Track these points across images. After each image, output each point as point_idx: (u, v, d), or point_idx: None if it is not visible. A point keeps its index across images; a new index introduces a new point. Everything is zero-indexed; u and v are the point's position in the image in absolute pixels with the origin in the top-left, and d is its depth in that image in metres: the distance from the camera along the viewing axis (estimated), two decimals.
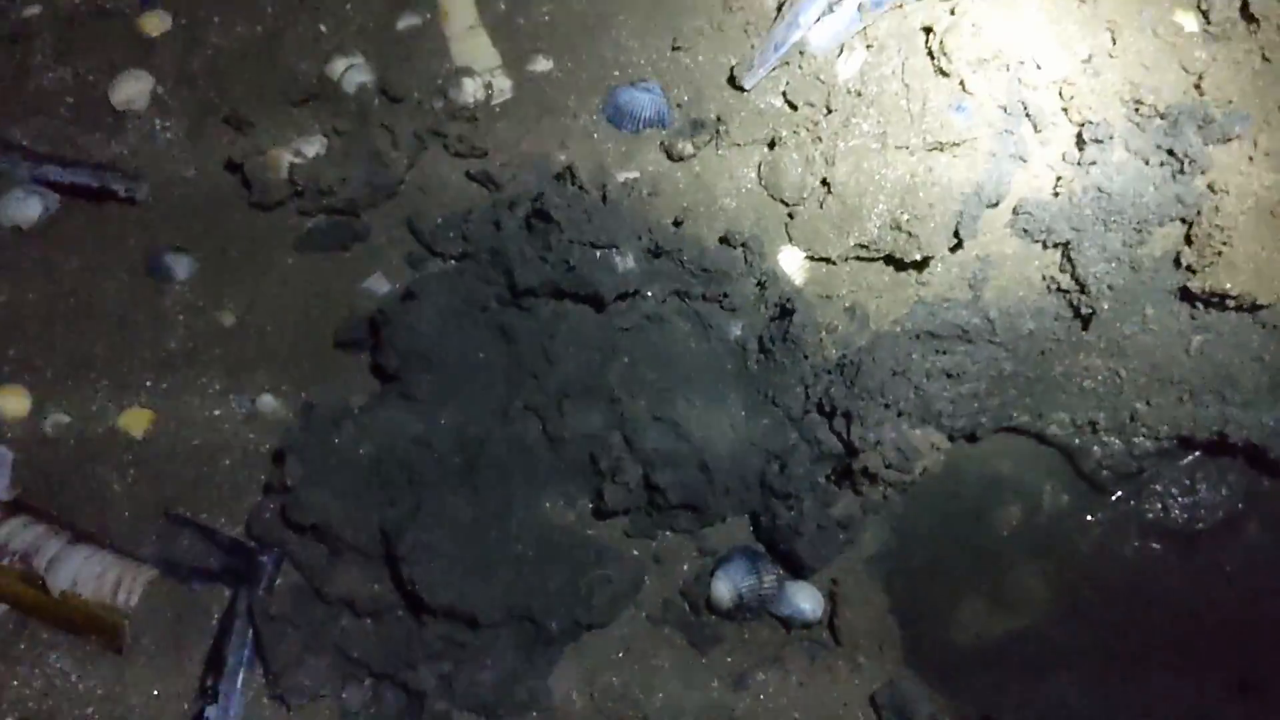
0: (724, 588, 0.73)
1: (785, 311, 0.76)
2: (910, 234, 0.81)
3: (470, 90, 0.85)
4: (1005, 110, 0.84)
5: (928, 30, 0.85)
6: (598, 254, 0.76)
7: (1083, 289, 0.82)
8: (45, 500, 0.74)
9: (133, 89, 0.85)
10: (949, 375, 0.82)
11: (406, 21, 0.89)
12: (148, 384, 0.77)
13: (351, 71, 0.86)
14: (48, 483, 0.74)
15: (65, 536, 0.71)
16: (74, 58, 0.86)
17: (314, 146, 0.83)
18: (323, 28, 0.88)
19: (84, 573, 0.70)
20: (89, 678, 0.69)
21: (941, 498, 0.83)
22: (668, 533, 0.76)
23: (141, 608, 0.70)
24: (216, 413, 0.76)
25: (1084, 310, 0.82)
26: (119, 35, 0.87)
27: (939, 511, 0.81)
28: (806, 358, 0.74)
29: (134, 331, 0.78)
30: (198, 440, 0.75)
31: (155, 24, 0.87)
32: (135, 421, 0.76)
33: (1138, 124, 0.86)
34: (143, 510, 0.73)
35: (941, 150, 0.82)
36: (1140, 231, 0.84)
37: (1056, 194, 0.85)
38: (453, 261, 0.80)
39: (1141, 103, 0.86)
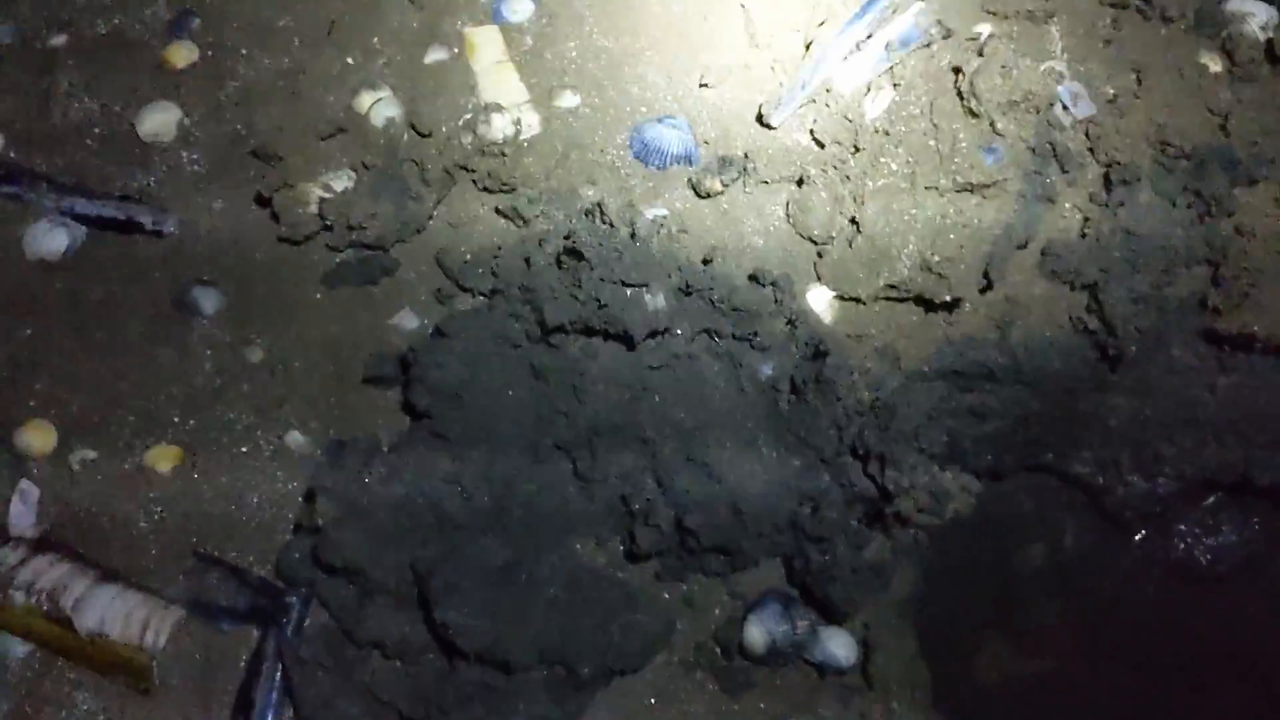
0: (757, 633, 0.73)
1: (819, 353, 0.76)
2: (941, 275, 0.81)
3: (499, 126, 0.85)
4: (1034, 152, 0.84)
5: (957, 71, 0.85)
6: (628, 292, 0.76)
7: (1110, 330, 0.83)
8: (72, 537, 0.74)
9: (159, 121, 0.85)
10: (974, 414, 0.82)
11: (434, 56, 0.89)
12: (175, 420, 0.76)
13: (379, 105, 0.86)
14: (74, 520, 0.74)
15: (92, 575, 0.71)
16: (100, 89, 0.86)
17: (342, 181, 0.83)
18: (350, 60, 0.88)
19: (111, 612, 0.70)
20: (117, 719, 0.69)
21: (967, 537, 0.83)
22: (699, 575, 0.76)
23: (169, 648, 0.69)
24: (244, 450, 0.76)
25: (1111, 351, 0.83)
26: (145, 66, 0.87)
27: (965, 552, 0.81)
28: (840, 399, 0.74)
29: (161, 367, 0.78)
30: (225, 478, 0.75)
31: (182, 55, 0.87)
32: (162, 458, 0.75)
33: (1164, 165, 0.86)
34: (170, 548, 0.73)
35: (971, 191, 0.82)
36: (1168, 273, 0.85)
37: (1084, 235, 0.85)
38: (481, 298, 0.80)
39: (1168, 144, 0.87)
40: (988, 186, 0.82)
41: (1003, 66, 0.83)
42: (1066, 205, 0.87)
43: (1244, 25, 0.92)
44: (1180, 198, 0.85)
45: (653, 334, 0.78)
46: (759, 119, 0.88)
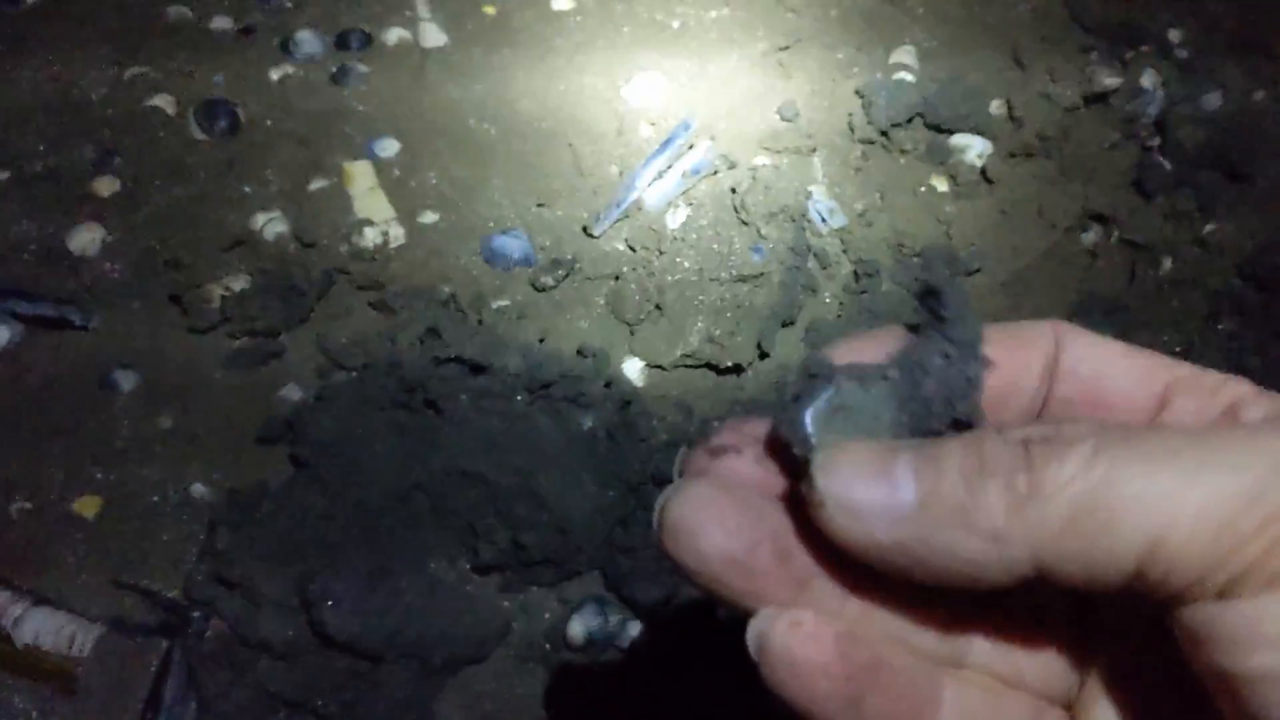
0: (577, 627, 0.99)
1: (626, 404, 1.05)
2: (722, 346, 1.12)
3: (370, 237, 1.15)
4: (793, 251, 1.17)
5: (733, 190, 1.19)
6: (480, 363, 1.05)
7: None
8: (10, 572, 0.97)
9: (86, 238, 1.13)
10: None
11: (317, 184, 1.19)
12: (98, 475, 1.02)
13: (271, 223, 1.15)
14: (12, 558, 0.98)
15: (28, 600, 0.94)
16: (37, 213, 1.15)
17: (240, 282, 1.11)
18: (247, 189, 1.18)
19: (44, 628, 0.93)
20: (48, 716, 0.91)
21: None
22: (534, 588, 1.02)
23: (92, 657, 0.93)
24: (156, 499, 1.01)
25: None
26: (75, 195, 1.17)
27: None
28: (643, 440, 1.03)
29: (86, 433, 1.04)
30: (140, 521, 1.00)
31: (106, 185, 1.17)
32: (87, 506, 1.00)
33: (900, 262, 1.20)
34: (93, 579, 0.98)
35: (744, 281, 1.14)
36: None
37: (839, 316, 1.18)
38: (354, 373, 1.08)
39: (903, 245, 1.20)
40: (756, 277, 1.14)
41: (765, 187, 1.17)
42: (826, 295, 1.19)
43: (965, 155, 1.28)
44: (912, 286, 1.18)
45: (495, 396, 1.05)
46: (584, 230, 1.19)
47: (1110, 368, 0.37)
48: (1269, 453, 0.27)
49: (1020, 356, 0.39)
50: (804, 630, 0.34)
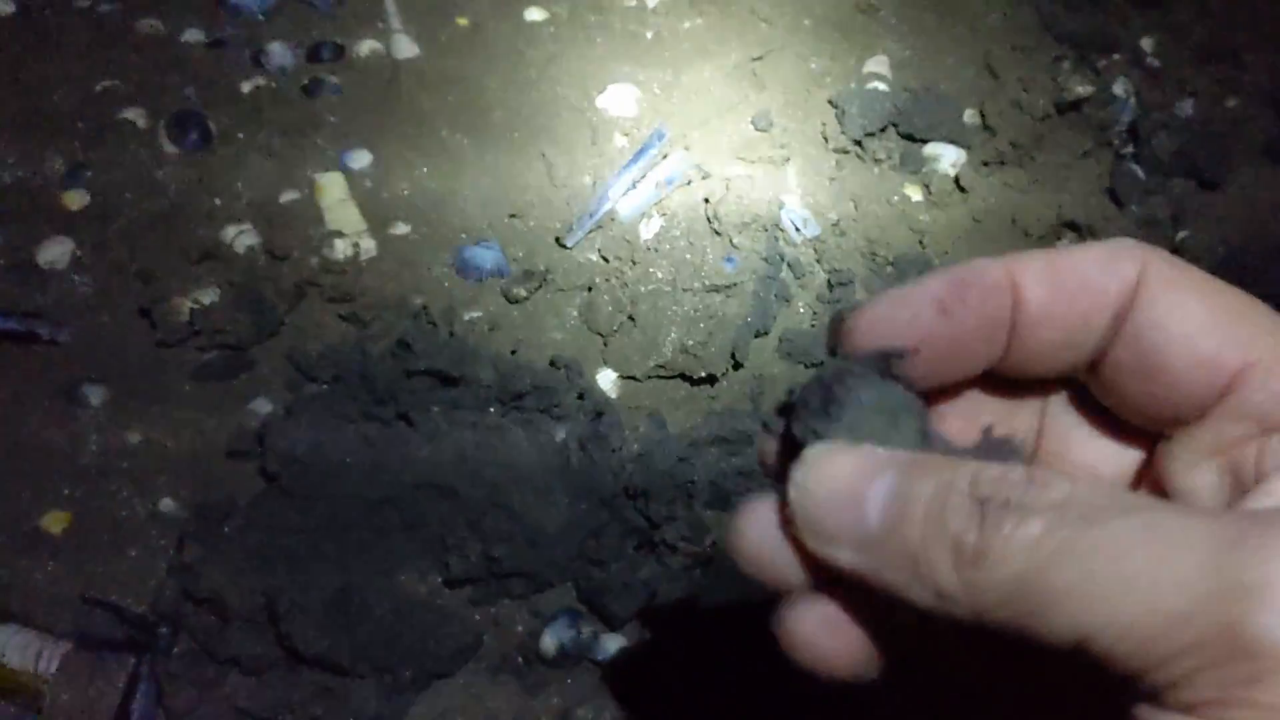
0: (550, 640, 1.00)
1: (598, 415, 1.05)
2: (696, 356, 1.13)
3: (341, 249, 1.16)
4: (766, 260, 1.18)
5: (706, 200, 1.20)
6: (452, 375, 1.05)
7: None
8: None
9: (56, 252, 1.14)
10: (741, 474, 1.12)
11: (288, 196, 1.20)
12: (65, 491, 1.02)
13: (241, 236, 1.16)
14: None
15: None
16: (5, 227, 1.15)
17: (210, 295, 1.12)
18: (217, 202, 1.19)
19: (10, 645, 0.93)
20: None
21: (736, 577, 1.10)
22: (505, 600, 1.02)
23: (59, 674, 0.93)
24: (124, 514, 1.02)
25: None
26: (44, 208, 1.17)
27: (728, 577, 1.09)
28: (614, 451, 1.03)
29: (54, 448, 1.05)
30: (108, 537, 1.01)
31: (75, 199, 1.17)
32: (54, 522, 1.01)
33: (873, 270, 1.21)
34: (60, 595, 0.98)
35: (717, 291, 1.15)
36: None
37: (812, 325, 1.19)
38: (325, 385, 1.08)
39: (877, 255, 1.21)
40: (729, 287, 1.15)
41: (739, 197, 1.18)
42: (800, 304, 1.20)
43: (938, 164, 1.30)
44: None
45: (467, 408, 1.06)
46: (557, 241, 1.20)
47: (1180, 343, 0.34)
48: (1214, 570, 0.26)
49: (1085, 303, 0.35)
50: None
